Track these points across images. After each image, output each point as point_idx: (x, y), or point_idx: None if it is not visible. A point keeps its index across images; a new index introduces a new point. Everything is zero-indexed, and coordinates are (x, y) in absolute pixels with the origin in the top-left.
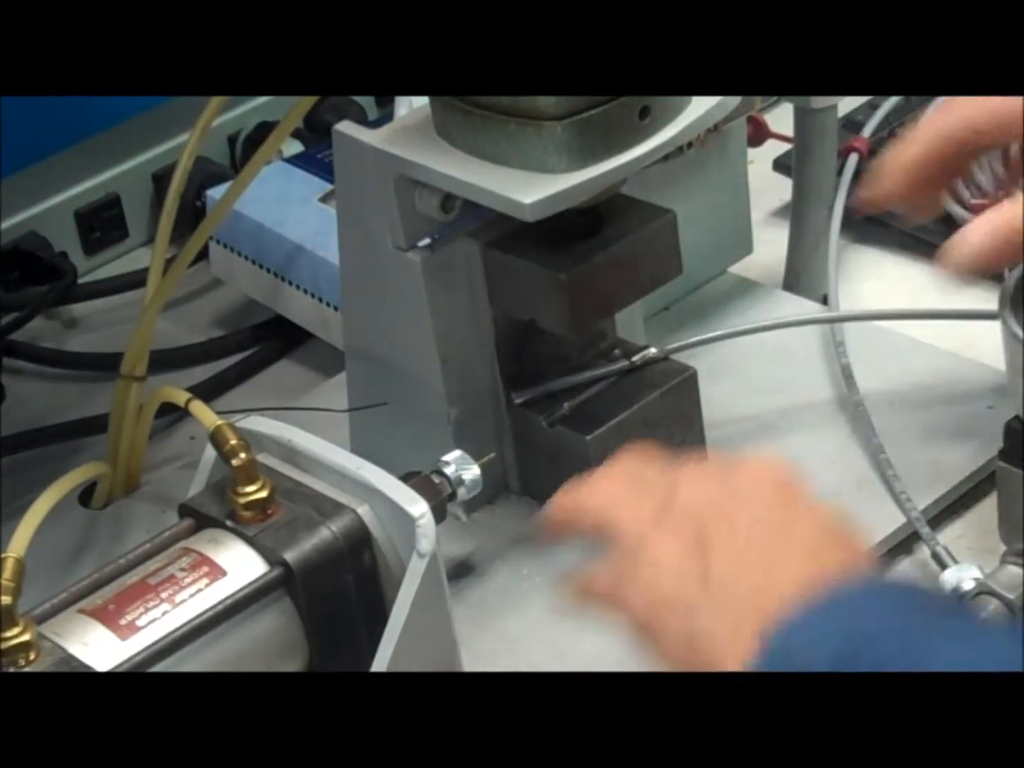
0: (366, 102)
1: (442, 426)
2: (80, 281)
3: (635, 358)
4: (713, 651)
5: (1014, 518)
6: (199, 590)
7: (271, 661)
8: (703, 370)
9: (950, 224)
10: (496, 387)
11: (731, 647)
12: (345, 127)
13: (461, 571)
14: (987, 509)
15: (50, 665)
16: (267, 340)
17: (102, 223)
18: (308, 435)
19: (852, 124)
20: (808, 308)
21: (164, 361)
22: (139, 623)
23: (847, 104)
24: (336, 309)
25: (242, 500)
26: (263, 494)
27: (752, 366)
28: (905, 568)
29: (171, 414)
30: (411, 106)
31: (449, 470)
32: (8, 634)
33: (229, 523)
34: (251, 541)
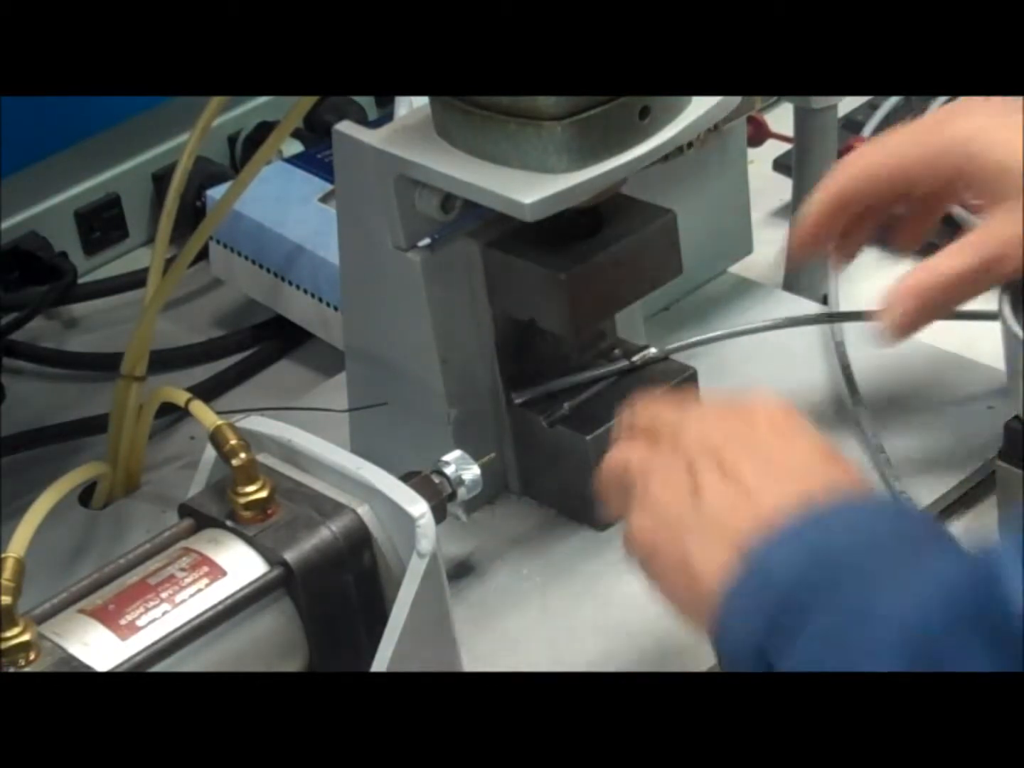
0: (366, 102)
1: (442, 426)
2: (80, 281)
3: (635, 358)
4: (696, 568)
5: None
6: (199, 590)
7: (271, 661)
8: (703, 370)
9: (952, 225)
10: (496, 387)
11: (713, 564)
12: (345, 127)
13: (461, 571)
14: (987, 509)
15: (50, 665)
16: (267, 340)
17: (102, 223)
18: (308, 435)
19: (852, 124)
20: (808, 308)
21: (164, 361)
22: (139, 623)
23: (847, 104)
24: (336, 309)
25: (242, 500)
26: (263, 494)
27: (752, 366)
28: None
29: (171, 414)
30: (411, 106)
31: (449, 470)
32: (8, 634)
33: (229, 523)
34: (251, 541)
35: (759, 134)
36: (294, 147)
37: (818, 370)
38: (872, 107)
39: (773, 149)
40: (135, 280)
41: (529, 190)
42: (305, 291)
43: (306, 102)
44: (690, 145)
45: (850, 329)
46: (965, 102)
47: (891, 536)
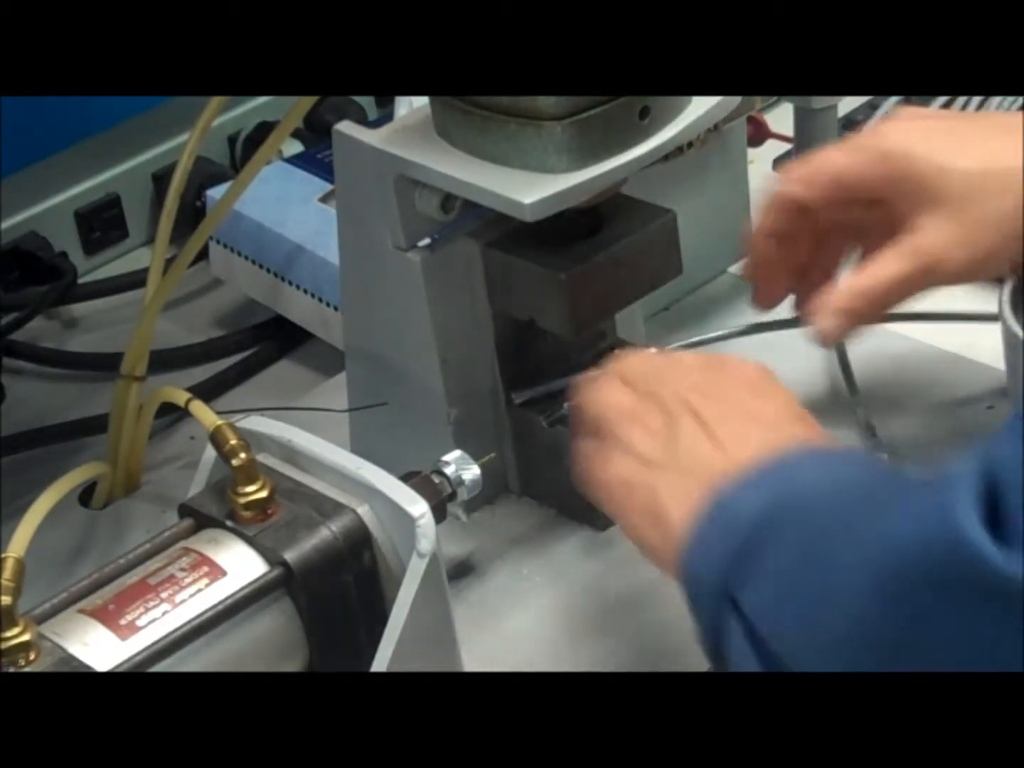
0: (366, 102)
1: (442, 426)
2: (80, 281)
3: None
4: (666, 509)
5: None
6: (199, 590)
7: (271, 661)
8: None
9: None
10: (496, 387)
11: (682, 506)
12: (345, 127)
13: (461, 571)
14: None
15: (50, 665)
16: (267, 340)
17: (102, 223)
18: (308, 435)
19: (852, 124)
20: None
21: (164, 361)
22: (139, 623)
23: (847, 104)
24: (336, 309)
25: (242, 500)
26: (263, 494)
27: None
28: None
29: (171, 414)
30: (411, 106)
31: (449, 470)
32: (8, 634)
33: (229, 523)
34: (251, 541)
35: (759, 134)
36: (294, 147)
37: (818, 370)
38: (872, 107)
39: (773, 149)
40: (135, 280)
41: (529, 190)
42: (305, 291)
43: (306, 102)
44: (690, 145)
45: None
46: (902, 110)
47: (858, 482)
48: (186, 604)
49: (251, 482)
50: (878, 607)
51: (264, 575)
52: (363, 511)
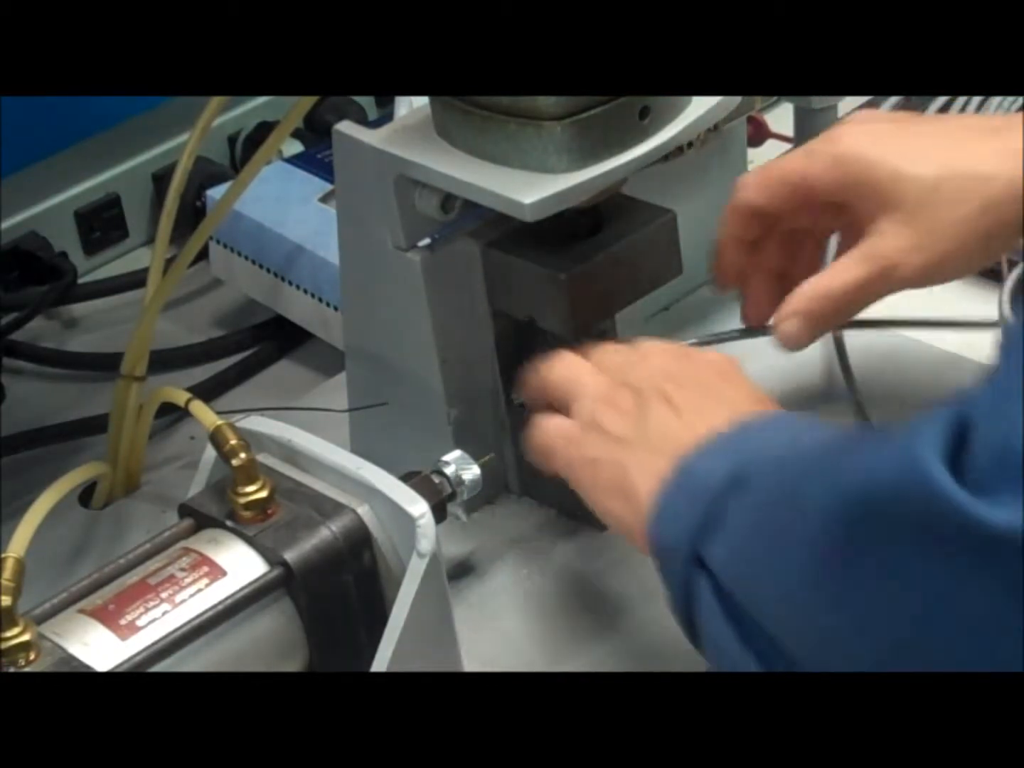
0: (366, 102)
1: (442, 426)
2: (80, 281)
3: None
4: (633, 482)
5: None
6: (199, 590)
7: (271, 661)
8: None
9: None
10: (496, 387)
11: (649, 479)
12: (345, 127)
13: (461, 571)
14: None
15: (50, 665)
16: (267, 340)
17: (102, 223)
18: (308, 435)
19: None
20: None
21: (164, 361)
22: (139, 623)
23: (847, 104)
24: (336, 309)
25: (242, 500)
26: (263, 494)
27: (752, 366)
28: None
29: (171, 414)
30: (411, 106)
31: (449, 470)
32: (8, 634)
33: (229, 523)
34: (251, 541)
35: (759, 134)
36: (294, 147)
37: (818, 370)
38: (872, 107)
39: (773, 149)
40: (135, 280)
41: (529, 190)
42: (305, 291)
43: (306, 102)
44: (690, 145)
45: (850, 330)
46: (859, 113)
47: (821, 438)
48: (186, 604)
49: (251, 482)
50: (838, 546)
51: (264, 575)
52: (363, 511)
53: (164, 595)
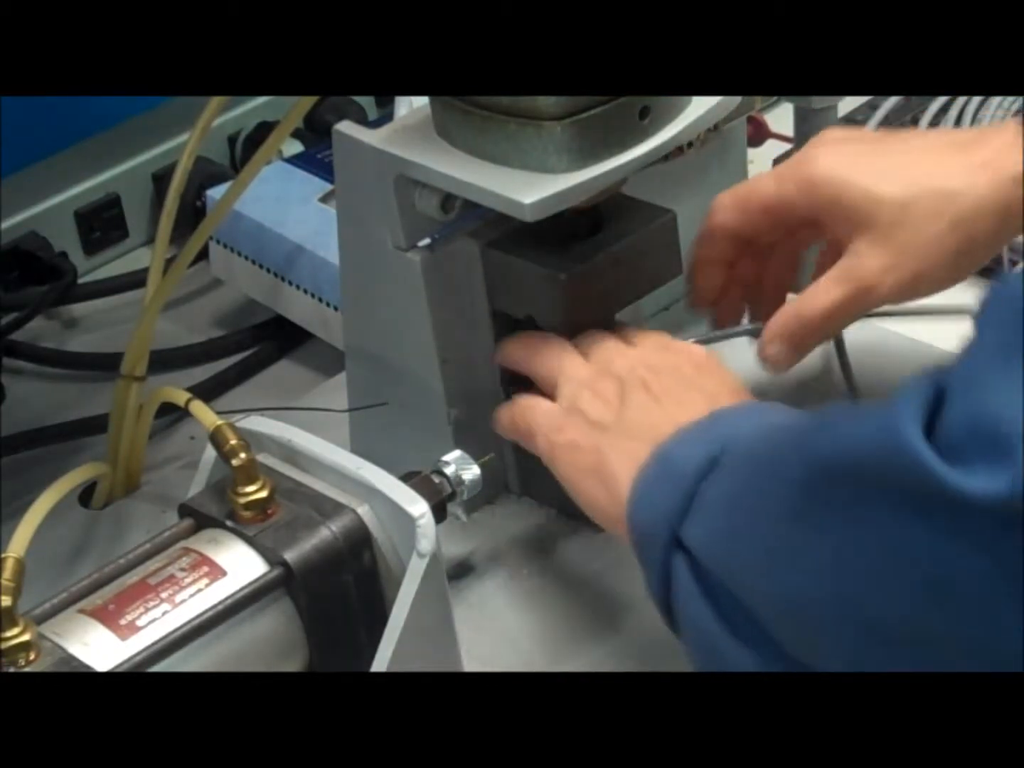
0: (366, 102)
1: (442, 426)
2: (80, 281)
3: None
4: (612, 469)
5: None
6: (199, 590)
7: (271, 661)
8: None
9: None
10: (496, 387)
11: (628, 465)
12: (345, 127)
13: (461, 571)
14: None
15: (50, 665)
16: (267, 340)
17: (102, 223)
18: (308, 435)
19: (852, 124)
20: None
21: (164, 361)
22: (139, 623)
23: (847, 104)
24: (336, 309)
25: (242, 500)
26: (263, 494)
27: (752, 366)
28: None
29: (171, 414)
30: (411, 106)
31: (449, 470)
32: (8, 634)
33: (229, 523)
34: (251, 541)
35: (759, 134)
36: (294, 147)
37: (818, 370)
38: (872, 107)
39: (773, 149)
40: (135, 280)
41: (529, 190)
42: (305, 291)
43: (306, 102)
44: (690, 145)
45: (850, 329)
46: (831, 132)
47: (798, 418)
48: (186, 604)
49: (251, 482)
50: (816, 508)
51: (264, 575)
52: (363, 511)
53: (164, 595)
